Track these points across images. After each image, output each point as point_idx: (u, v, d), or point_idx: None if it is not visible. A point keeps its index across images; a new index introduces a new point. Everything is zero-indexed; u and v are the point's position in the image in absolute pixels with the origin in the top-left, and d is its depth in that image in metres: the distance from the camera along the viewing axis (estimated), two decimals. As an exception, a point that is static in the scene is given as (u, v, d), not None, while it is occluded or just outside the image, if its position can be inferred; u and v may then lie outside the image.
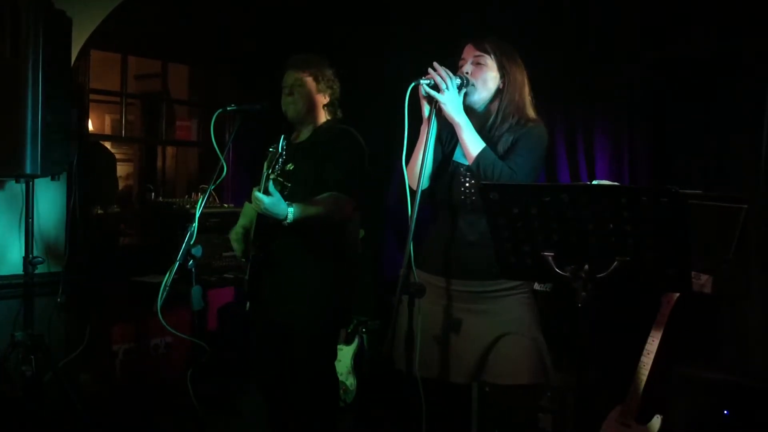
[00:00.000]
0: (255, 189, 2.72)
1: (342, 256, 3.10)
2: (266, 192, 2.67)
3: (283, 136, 2.66)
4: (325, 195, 2.93)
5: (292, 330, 3.06)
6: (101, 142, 5.20)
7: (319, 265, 3.03)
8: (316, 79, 3.11)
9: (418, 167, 2.46)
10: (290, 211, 2.75)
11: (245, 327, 3.29)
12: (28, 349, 3.50)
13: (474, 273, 2.55)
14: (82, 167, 4.15)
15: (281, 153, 2.66)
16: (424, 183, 2.46)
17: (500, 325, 2.52)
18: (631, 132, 4.08)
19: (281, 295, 3.04)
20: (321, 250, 3.03)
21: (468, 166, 2.55)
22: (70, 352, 4.01)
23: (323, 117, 3.17)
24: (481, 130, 2.54)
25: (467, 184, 2.56)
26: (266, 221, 2.96)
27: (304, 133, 3.16)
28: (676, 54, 3.85)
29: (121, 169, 6.15)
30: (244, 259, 3.15)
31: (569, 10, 4.20)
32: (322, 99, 3.14)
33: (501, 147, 2.51)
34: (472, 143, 2.45)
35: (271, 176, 3.04)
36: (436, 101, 2.44)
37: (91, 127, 5.15)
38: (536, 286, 3.68)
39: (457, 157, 2.62)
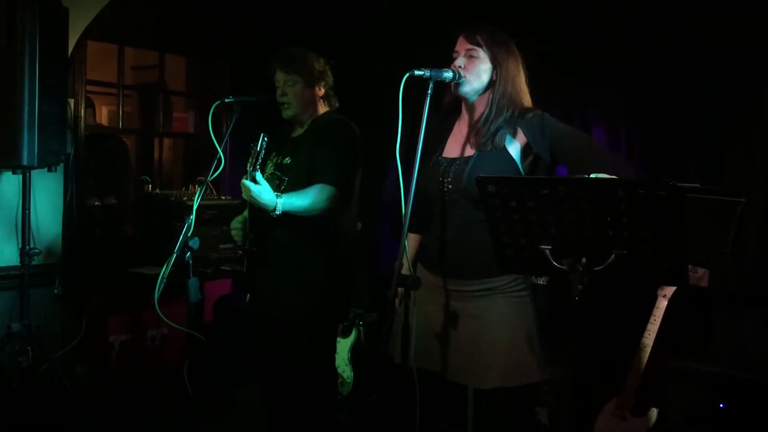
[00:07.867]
0: (243, 177, 2.73)
1: (336, 250, 3.08)
2: (253, 180, 2.68)
3: (262, 135, 2.66)
4: (310, 187, 2.91)
5: (288, 322, 3.06)
6: (117, 134, 5.20)
7: (313, 259, 3.02)
8: (305, 76, 3.07)
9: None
10: (279, 202, 2.75)
11: (242, 319, 3.29)
12: (24, 341, 3.51)
13: (458, 272, 2.52)
14: (80, 159, 4.14)
15: (260, 152, 2.66)
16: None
17: (484, 326, 2.47)
18: (628, 126, 4.08)
19: (276, 288, 3.04)
20: (314, 244, 3.02)
21: (450, 159, 2.55)
22: (66, 343, 4.01)
23: (322, 109, 3.16)
24: (476, 121, 2.53)
25: (447, 179, 2.54)
26: (259, 215, 2.96)
27: (302, 128, 3.16)
28: (673, 49, 3.85)
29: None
30: (240, 252, 3.14)
31: (567, 4, 4.19)
32: (318, 92, 3.12)
33: (498, 139, 2.49)
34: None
35: (269, 171, 3.03)
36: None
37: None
38: (533, 279, 3.69)
39: (446, 152, 2.61)
